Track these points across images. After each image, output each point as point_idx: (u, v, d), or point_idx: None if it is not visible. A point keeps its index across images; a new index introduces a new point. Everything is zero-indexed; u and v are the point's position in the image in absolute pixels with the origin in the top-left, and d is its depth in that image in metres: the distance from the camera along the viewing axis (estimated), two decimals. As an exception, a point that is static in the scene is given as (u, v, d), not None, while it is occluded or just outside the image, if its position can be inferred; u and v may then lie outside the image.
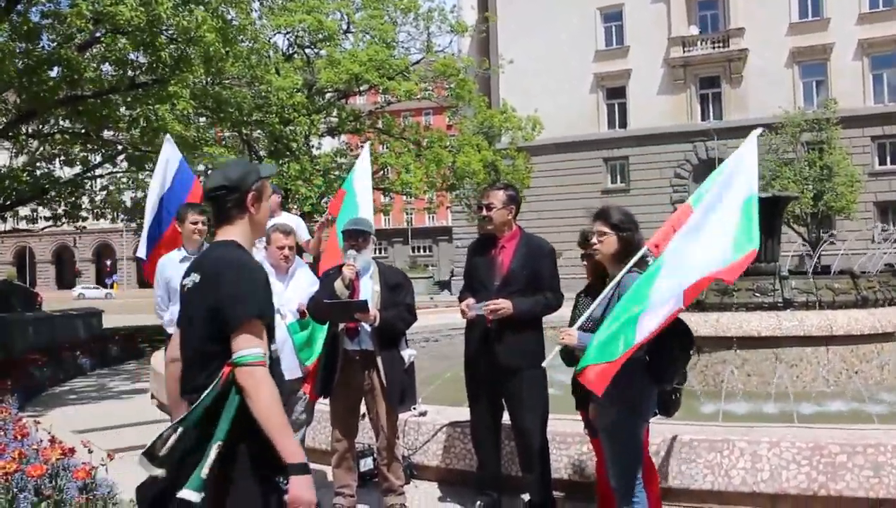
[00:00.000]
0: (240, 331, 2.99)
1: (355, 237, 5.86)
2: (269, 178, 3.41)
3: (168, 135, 9.22)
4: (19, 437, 6.58)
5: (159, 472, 2.96)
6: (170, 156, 8.28)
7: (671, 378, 4.54)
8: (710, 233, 4.52)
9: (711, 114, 45.26)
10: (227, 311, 3.01)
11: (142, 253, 8.05)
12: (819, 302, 9.39)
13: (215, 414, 2.95)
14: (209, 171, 23.60)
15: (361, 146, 28.96)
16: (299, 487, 2.92)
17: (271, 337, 3.15)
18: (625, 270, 4.52)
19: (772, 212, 10.93)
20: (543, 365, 5.18)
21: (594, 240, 4.70)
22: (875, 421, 6.57)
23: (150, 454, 2.97)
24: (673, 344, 4.53)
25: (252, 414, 2.93)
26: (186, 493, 2.84)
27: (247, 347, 2.98)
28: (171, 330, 6.44)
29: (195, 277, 3.16)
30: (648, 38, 45.94)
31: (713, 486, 5.54)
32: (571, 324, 4.79)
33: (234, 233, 3.25)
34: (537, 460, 5.55)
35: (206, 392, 2.98)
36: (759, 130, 5.09)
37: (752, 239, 4.53)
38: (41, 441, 6.45)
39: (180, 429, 2.96)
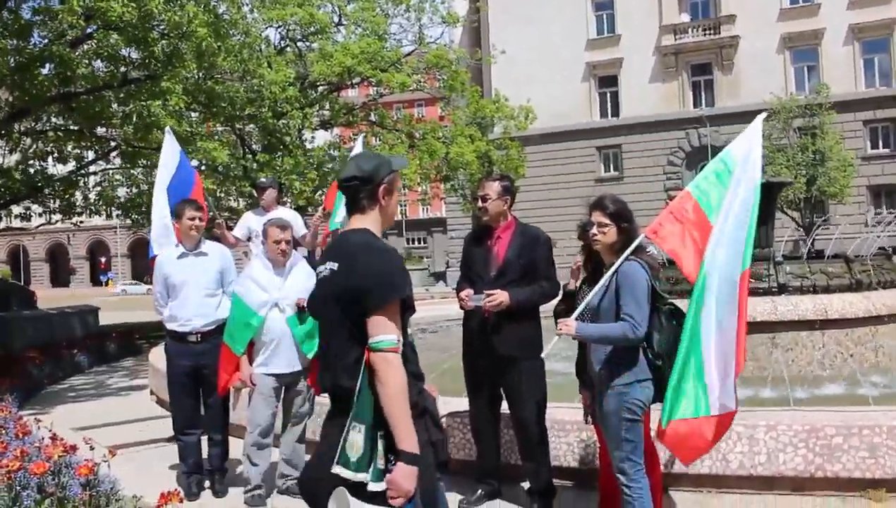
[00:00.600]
0: (376, 316, 3.07)
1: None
2: (400, 171, 3.49)
3: (168, 128, 9.21)
4: (21, 435, 6.60)
5: (361, 476, 3.01)
6: (171, 149, 8.29)
7: (670, 361, 4.58)
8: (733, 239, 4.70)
9: (704, 101, 45.31)
10: (364, 295, 3.09)
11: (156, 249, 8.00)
12: (814, 287, 9.44)
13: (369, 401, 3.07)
14: (203, 167, 23.59)
15: (354, 139, 29.04)
16: (403, 474, 2.98)
17: (406, 321, 3.24)
18: (622, 258, 4.56)
19: (765, 198, 10.94)
20: (542, 355, 5.22)
21: (594, 230, 4.73)
22: (870, 403, 6.63)
23: (345, 462, 3.02)
24: (668, 327, 4.59)
25: (379, 396, 3.03)
26: (374, 486, 2.98)
27: (382, 333, 3.06)
28: (171, 325, 6.48)
29: (332, 265, 3.23)
30: (640, 26, 45.95)
31: (711, 470, 5.59)
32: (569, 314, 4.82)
33: (365, 222, 3.32)
34: (537, 448, 5.59)
35: (360, 380, 3.06)
36: (763, 115, 5.14)
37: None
38: (42, 438, 6.46)
39: (359, 426, 3.04)
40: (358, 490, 2.98)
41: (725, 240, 4.62)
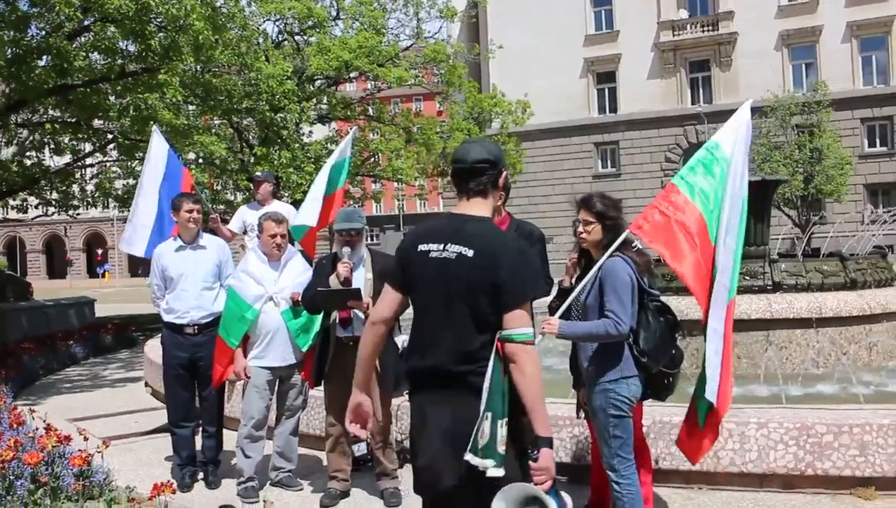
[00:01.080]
0: (516, 310, 3.14)
1: (349, 234, 5.88)
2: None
3: (155, 126, 9.21)
4: (15, 425, 6.63)
5: (487, 462, 3.08)
6: (159, 147, 8.29)
7: (656, 358, 4.59)
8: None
9: (702, 97, 45.26)
10: (507, 290, 3.14)
11: (138, 250, 8.02)
12: (808, 285, 9.47)
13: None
14: (200, 160, 23.59)
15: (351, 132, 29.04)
16: (547, 458, 3.12)
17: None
18: (606, 254, 4.58)
19: (762, 196, 11.00)
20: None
21: (580, 228, 4.76)
22: (862, 402, 6.65)
23: (475, 450, 3.10)
24: (654, 324, 4.61)
25: (517, 386, 3.12)
26: (494, 471, 3.07)
27: (521, 326, 3.14)
28: (168, 317, 6.50)
29: (462, 249, 3.21)
30: (638, 22, 45.87)
31: (702, 466, 5.61)
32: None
33: (483, 208, 3.34)
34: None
35: (491, 370, 3.12)
36: (749, 101, 5.14)
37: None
38: (37, 429, 6.49)
39: (489, 414, 3.10)
40: (479, 476, 3.08)
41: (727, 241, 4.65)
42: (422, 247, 3.29)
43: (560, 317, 4.66)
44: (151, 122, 13.75)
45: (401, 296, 3.40)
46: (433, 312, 3.27)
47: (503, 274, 3.14)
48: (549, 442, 3.15)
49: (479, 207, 3.33)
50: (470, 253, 3.18)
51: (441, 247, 3.24)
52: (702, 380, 4.64)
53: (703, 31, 45.22)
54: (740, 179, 4.76)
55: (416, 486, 3.36)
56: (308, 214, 7.58)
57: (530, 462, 3.12)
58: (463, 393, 3.15)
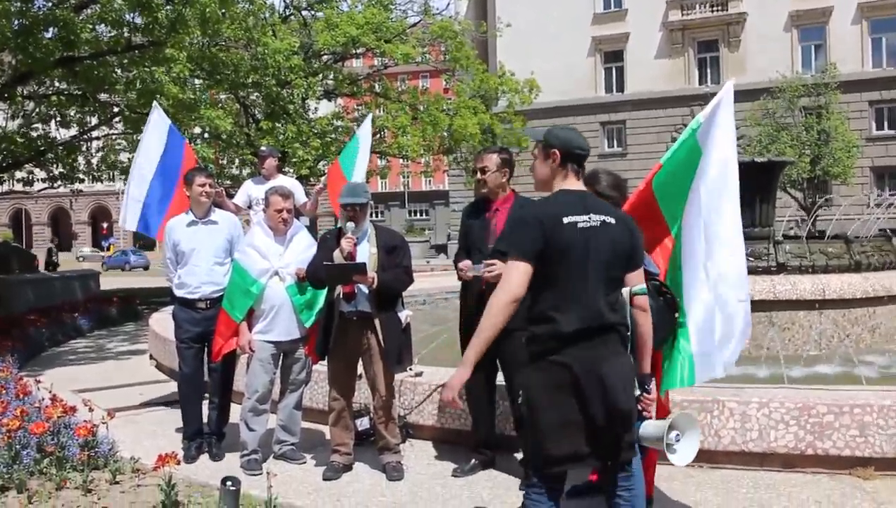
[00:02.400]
0: (639, 269, 3.85)
1: (353, 208, 5.88)
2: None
3: (155, 102, 9.18)
4: (21, 395, 6.70)
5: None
6: (158, 122, 8.27)
7: (654, 337, 4.60)
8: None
9: (709, 78, 45.00)
10: (637, 252, 3.84)
11: (132, 225, 8.01)
12: (812, 267, 9.48)
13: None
14: (206, 134, 23.58)
15: (357, 109, 28.94)
16: (655, 391, 4.10)
17: None
18: None
19: (767, 177, 11.00)
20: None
21: None
22: (863, 383, 6.68)
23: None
24: (652, 303, 4.62)
25: (642, 328, 3.88)
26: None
27: (641, 282, 3.85)
28: (180, 292, 6.53)
29: (603, 218, 3.69)
30: (646, 1, 45.62)
31: (703, 445, 5.61)
32: None
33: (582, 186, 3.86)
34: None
35: (629, 319, 3.79)
36: (733, 80, 5.08)
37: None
38: (42, 399, 6.55)
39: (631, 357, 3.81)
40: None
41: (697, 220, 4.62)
42: (567, 220, 3.60)
43: None
44: (159, 95, 13.75)
45: (531, 270, 3.58)
46: (576, 276, 3.59)
47: (635, 239, 3.80)
48: (651, 378, 4.03)
49: (581, 186, 3.84)
50: (612, 221, 3.69)
51: (587, 217, 3.64)
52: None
53: (712, 11, 44.98)
54: (723, 163, 4.65)
55: (560, 446, 3.58)
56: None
57: (644, 395, 3.96)
58: (616, 340, 3.67)
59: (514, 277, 3.57)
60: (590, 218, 3.64)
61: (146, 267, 53.76)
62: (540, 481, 3.62)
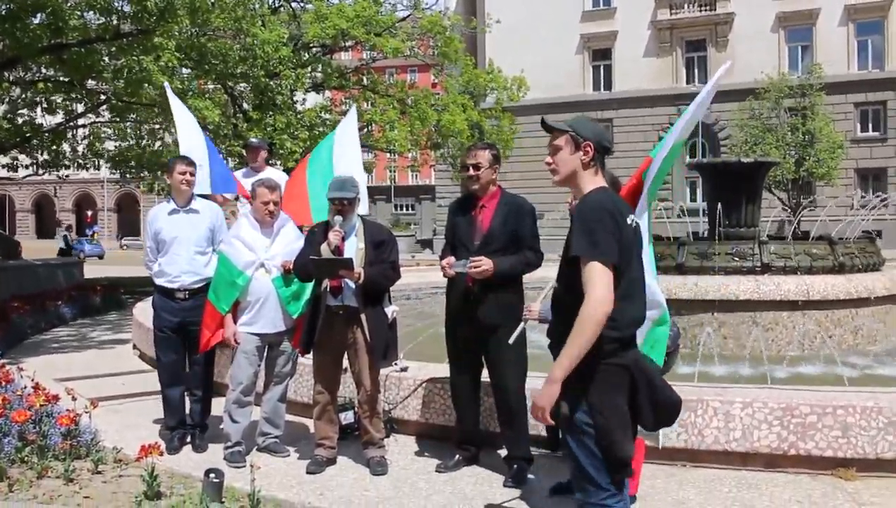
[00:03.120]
0: None
1: (341, 202, 5.87)
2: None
3: (166, 84, 9.18)
4: (3, 383, 6.66)
5: None
6: (180, 106, 8.21)
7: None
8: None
9: (697, 77, 45.16)
10: None
11: (206, 188, 7.80)
12: (797, 267, 9.53)
13: None
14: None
15: (345, 102, 28.87)
16: None
17: None
18: None
19: (753, 178, 11.05)
20: (510, 341, 5.21)
21: (571, 200, 4.77)
22: (846, 384, 6.72)
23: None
24: None
25: None
26: None
27: None
28: (160, 281, 6.50)
29: (632, 216, 3.65)
30: (636, -1, 45.72)
31: (686, 444, 5.67)
32: None
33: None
34: (516, 416, 5.65)
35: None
36: (728, 63, 5.16)
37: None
38: (25, 387, 6.52)
39: None
40: None
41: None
42: (629, 221, 3.54)
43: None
44: (147, 84, 13.66)
45: None
46: (629, 278, 3.48)
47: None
48: None
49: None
50: (635, 223, 3.62)
51: (631, 218, 3.60)
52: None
53: (701, 11, 45.13)
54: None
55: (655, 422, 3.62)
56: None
57: None
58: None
59: (607, 285, 3.33)
60: (631, 218, 3.58)
61: (101, 257, 52.68)
62: (614, 486, 3.45)
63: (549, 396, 3.36)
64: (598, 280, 3.31)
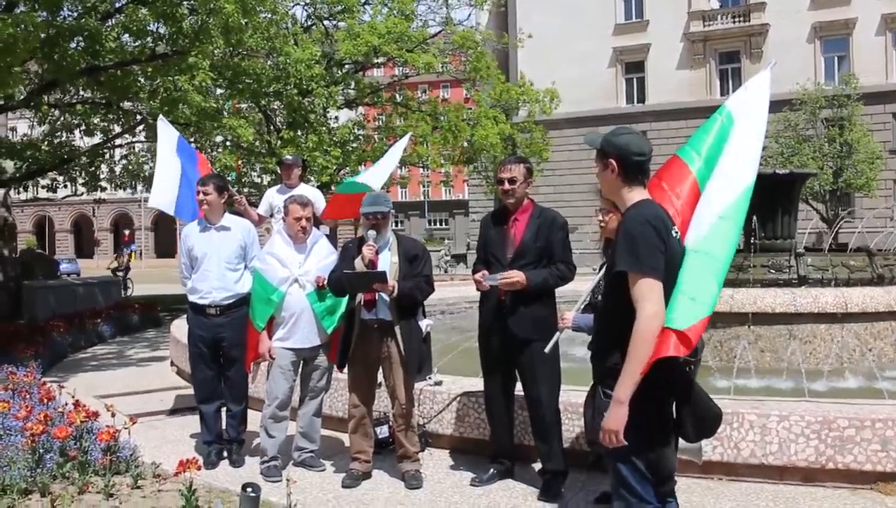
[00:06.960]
0: None
1: (375, 217, 5.92)
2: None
3: (161, 116, 9.34)
4: (45, 401, 6.76)
5: None
6: (168, 136, 8.35)
7: None
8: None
9: (731, 89, 44.65)
10: None
11: (169, 208, 7.99)
12: (834, 280, 9.42)
13: None
14: (228, 143, 23.73)
15: (378, 118, 29.03)
16: None
17: None
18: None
19: (789, 189, 10.96)
20: (545, 350, 5.20)
21: (600, 216, 4.79)
22: (885, 397, 6.63)
23: None
24: None
25: None
26: None
27: None
28: (192, 297, 6.58)
29: (675, 228, 3.60)
30: (668, 11, 45.54)
31: (722, 458, 5.63)
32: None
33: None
34: (550, 430, 5.64)
35: None
36: (773, 62, 5.03)
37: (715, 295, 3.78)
38: (66, 404, 6.61)
39: None
40: None
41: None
42: (672, 233, 3.51)
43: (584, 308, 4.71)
44: (182, 103, 13.82)
45: None
46: (668, 287, 3.43)
47: None
48: None
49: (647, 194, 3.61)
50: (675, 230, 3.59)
51: (675, 229, 3.59)
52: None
53: (734, 22, 44.85)
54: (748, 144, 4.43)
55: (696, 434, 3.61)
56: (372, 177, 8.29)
57: None
58: None
59: (658, 300, 3.32)
60: (673, 229, 3.54)
61: (77, 274, 52.30)
62: (657, 498, 3.46)
63: (618, 418, 3.30)
64: (649, 295, 3.30)
